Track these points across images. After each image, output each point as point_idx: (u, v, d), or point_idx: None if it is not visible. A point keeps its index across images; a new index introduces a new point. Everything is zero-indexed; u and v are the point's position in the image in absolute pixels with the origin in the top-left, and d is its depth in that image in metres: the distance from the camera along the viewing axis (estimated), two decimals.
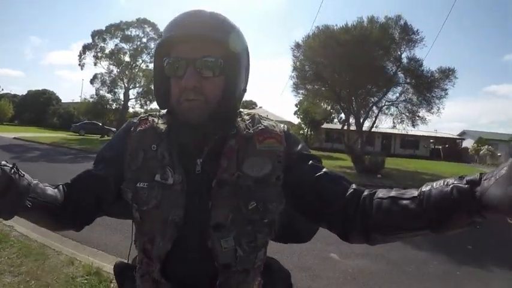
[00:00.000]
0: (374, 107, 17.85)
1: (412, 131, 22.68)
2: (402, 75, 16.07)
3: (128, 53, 28.96)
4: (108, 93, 29.69)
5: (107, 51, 29.00)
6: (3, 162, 0.82)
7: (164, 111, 1.05)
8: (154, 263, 0.96)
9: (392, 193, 0.83)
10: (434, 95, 15.88)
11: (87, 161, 15.23)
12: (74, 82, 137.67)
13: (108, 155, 1.05)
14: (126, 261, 1.17)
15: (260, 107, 48.62)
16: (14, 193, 0.81)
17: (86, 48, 28.64)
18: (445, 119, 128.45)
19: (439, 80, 15.48)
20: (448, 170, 20.76)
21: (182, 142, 0.97)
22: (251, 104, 54.94)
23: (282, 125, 1.07)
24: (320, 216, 0.95)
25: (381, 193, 0.86)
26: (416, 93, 16.28)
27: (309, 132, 32.93)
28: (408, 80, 16.12)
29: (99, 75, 29.18)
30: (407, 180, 14.67)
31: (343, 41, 14.45)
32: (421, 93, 15.90)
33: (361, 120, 17.53)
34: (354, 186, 0.93)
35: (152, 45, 29.28)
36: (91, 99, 30.61)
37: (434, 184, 0.75)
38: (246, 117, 1.04)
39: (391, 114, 18.12)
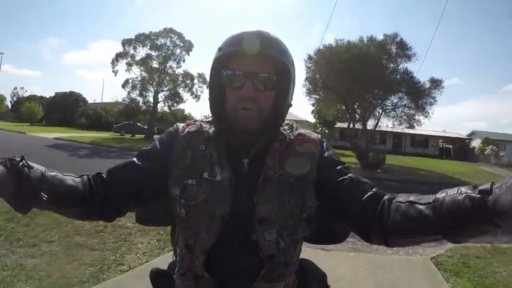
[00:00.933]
0: (376, 111, 20.75)
1: (422, 130, 25.80)
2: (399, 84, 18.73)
3: (157, 59, 31.81)
4: (139, 96, 32.45)
5: (137, 58, 31.81)
6: (11, 157, 0.86)
7: (208, 118, 1.18)
8: (198, 257, 1.01)
9: (411, 198, 0.87)
10: (425, 102, 18.80)
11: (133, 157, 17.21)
12: (92, 81, 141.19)
13: (152, 151, 1.12)
14: (161, 268, 1.23)
15: None
16: (26, 186, 0.84)
17: (118, 56, 31.69)
18: (467, 118, 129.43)
19: (429, 89, 18.45)
20: (446, 167, 23.13)
21: (230, 144, 1.07)
22: None
23: (315, 134, 1.17)
24: (341, 217, 1.04)
25: (401, 197, 0.90)
26: (410, 100, 19.16)
27: (323, 131, 34.16)
28: (403, 89, 18.88)
29: (130, 80, 32.17)
30: (403, 174, 17.09)
31: (344, 58, 17.38)
32: (414, 100, 18.85)
33: (363, 122, 20.51)
34: (374, 189, 0.99)
35: (178, 51, 32.36)
36: (123, 102, 33.61)
37: (449, 191, 0.77)
38: (285, 126, 1.14)
39: (393, 117, 20.77)
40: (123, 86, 32.69)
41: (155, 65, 32.09)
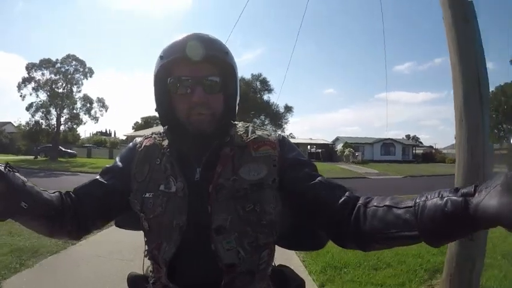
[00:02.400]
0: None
1: (293, 140, 34.77)
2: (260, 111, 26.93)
3: (62, 83, 35.84)
4: (43, 119, 35.91)
5: (41, 82, 35.39)
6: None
7: (161, 130, 1.19)
8: (162, 268, 1.04)
9: (387, 202, 0.87)
10: (282, 122, 27.52)
11: (60, 176, 19.48)
12: None
13: (114, 168, 1.16)
14: (139, 273, 1.24)
15: None
16: (10, 192, 0.85)
17: (25, 80, 35.17)
18: (344, 124, 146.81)
19: (284, 113, 27.14)
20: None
21: (182, 154, 1.09)
22: None
23: (277, 133, 1.18)
24: (314, 222, 1.03)
25: (376, 201, 0.90)
26: (270, 120, 27.58)
27: None
28: (263, 115, 27.23)
29: (34, 103, 35.57)
30: None
31: None
32: (273, 120, 27.31)
33: None
34: (347, 194, 0.98)
35: (78, 76, 36.65)
36: (25, 126, 36.61)
37: (429, 195, 0.77)
38: (241, 129, 1.16)
39: None
40: (27, 109, 35.89)
41: (59, 89, 35.98)
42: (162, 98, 1.09)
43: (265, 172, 1.05)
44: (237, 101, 1.14)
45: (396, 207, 0.84)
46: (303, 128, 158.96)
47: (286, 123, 27.08)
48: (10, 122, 51.78)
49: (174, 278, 1.04)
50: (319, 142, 54.34)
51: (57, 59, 35.89)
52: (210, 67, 1.04)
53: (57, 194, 1.04)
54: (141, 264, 1.21)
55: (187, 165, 1.08)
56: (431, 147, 66.07)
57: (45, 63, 35.74)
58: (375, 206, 0.89)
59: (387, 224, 0.84)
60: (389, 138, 50.74)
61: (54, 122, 36.58)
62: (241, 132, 1.15)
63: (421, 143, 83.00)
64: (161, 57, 1.05)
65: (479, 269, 3.51)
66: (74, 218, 1.05)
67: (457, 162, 3.57)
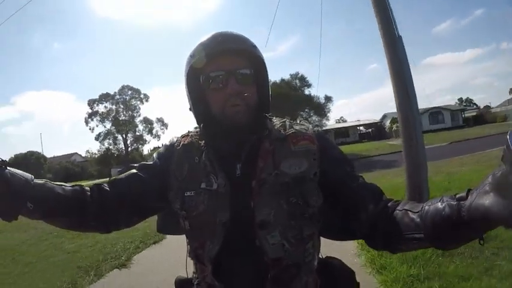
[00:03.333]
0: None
1: (342, 124, 37.96)
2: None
3: (122, 111, 41.11)
4: (112, 145, 41.71)
5: (101, 113, 41.15)
6: None
7: (197, 129, 1.20)
8: (207, 266, 1.05)
9: (407, 206, 0.94)
10: (325, 111, 30.41)
11: None
12: (18, 137, 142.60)
13: (153, 165, 1.17)
14: (185, 276, 1.25)
15: None
16: (8, 193, 0.87)
17: (91, 115, 40.91)
18: (390, 98, 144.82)
19: (325, 103, 29.97)
20: (357, 148, 32.09)
21: (221, 150, 1.10)
22: None
23: (314, 128, 1.18)
24: (350, 220, 1.07)
25: (400, 205, 0.97)
26: (314, 111, 30.55)
27: None
28: (307, 109, 30.07)
29: (102, 133, 41.33)
30: None
31: None
32: (317, 112, 30.27)
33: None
34: (384, 197, 1.04)
35: (134, 102, 42.11)
36: (97, 153, 42.61)
37: (434, 200, 0.84)
38: (278, 123, 1.16)
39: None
40: (96, 138, 41.74)
41: (121, 117, 41.23)
42: (196, 96, 1.12)
43: (306, 165, 1.05)
44: (269, 93, 1.15)
45: (411, 211, 0.90)
46: (351, 110, 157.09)
47: (328, 112, 29.82)
48: (76, 153, 58.11)
49: (218, 276, 1.05)
50: (367, 122, 55.54)
51: (114, 92, 41.29)
52: (240, 60, 1.07)
53: (76, 188, 1.07)
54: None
55: (227, 161, 1.08)
56: (487, 107, 63.32)
57: (105, 97, 40.95)
58: (398, 209, 0.95)
59: (403, 227, 0.91)
60: (435, 106, 49.83)
61: (121, 145, 41.80)
62: (278, 126, 1.15)
63: (475, 104, 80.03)
64: (191, 56, 1.10)
65: None
66: (100, 212, 1.07)
67: (403, 140, 6.19)
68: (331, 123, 45.77)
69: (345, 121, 74.08)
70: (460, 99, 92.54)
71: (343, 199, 1.07)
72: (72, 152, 60.63)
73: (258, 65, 1.12)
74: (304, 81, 29.52)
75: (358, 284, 1.22)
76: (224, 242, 1.03)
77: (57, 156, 59.99)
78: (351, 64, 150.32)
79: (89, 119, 41.44)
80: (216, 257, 1.04)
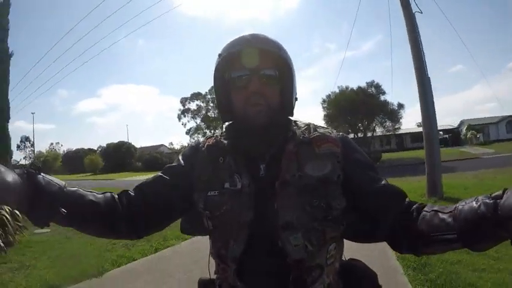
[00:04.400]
0: (371, 126, 35.36)
1: (419, 129, 41.31)
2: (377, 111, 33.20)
3: (211, 109, 46.11)
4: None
5: (193, 110, 46.96)
6: (29, 168, 0.92)
7: (223, 130, 1.26)
8: (230, 266, 1.07)
9: (436, 207, 0.95)
10: (397, 118, 33.50)
11: None
12: (104, 127, 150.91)
13: (178, 166, 1.21)
14: (208, 277, 1.28)
15: None
16: (43, 199, 0.90)
17: (184, 111, 47.35)
18: (481, 101, 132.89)
19: (398, 109, 33.05)
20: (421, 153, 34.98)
21: (246, 151, 1.13)
22: None
23: (339, 133, 1.21)
24: (373, 222, 1.09)
25: (427, 207, 0.98)
26: (387, 117, 33.84)
27: None
28: (382, 114, 33.37)
29: (192, 128, 47.28)
30: (389, 162, 28.83)
31: (345, 101, 32.07)
32: (390, 118, 33.56)
33: (365, 133, 35.15)
34: (407, 200, 1.06)
35: None
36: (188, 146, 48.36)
37: (468, 200, 0.85)
38: (302, 126, 1.20)
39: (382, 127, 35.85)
40: (187, 133, 47.97)
41: (211, 114, 46.51)
42: (222, 94, 1.17)
43: (329, 168, 1.08)
44: (294, 97, 1.19)
45: (442, 211, 0.91)
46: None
47: (401, 118, 32.72)
48: (163, 144, 64.60)
49: (241, 276, 1.07)
50: (444, 128, 55.67)
51: (206, 92, 46.62)
52: (266, 61, 1.11)
53: (107, 195, 1.10)
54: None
55: (251, 162, 1.12)
56: None
57: (196, 96, 46.82)
58: (425, 211, 0.97)
59: (432, 227, 0.91)
60: None
61: None
62: (303, 129, 1.18)
63: None
64: (219, 55, 1.13)
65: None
66: (130, 219, 1.10)
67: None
68: (412, 126, 50.30)
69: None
70: None
71: (366, 201, 1.09)
72: (160, 143, 67.49)
73: (284, 67, 1.14)
74: (379, 89, 33.07)
75: (380, 286, 1.22)
76: (247, 242, 1.05)
77: (146, 147, 66.10)
78: (434, 64, 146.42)
79: (182, 115, 47.31)
80: (240, 257, 1.06)
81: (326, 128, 1.22)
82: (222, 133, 1.25)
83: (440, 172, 9.97)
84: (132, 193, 1.16)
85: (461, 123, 55.88)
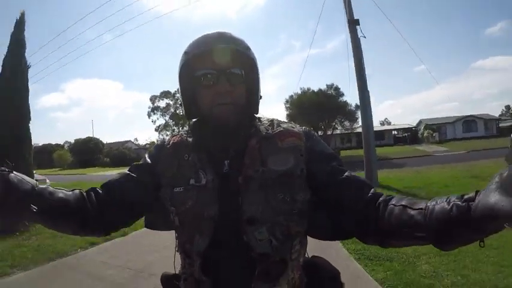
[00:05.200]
0: (332, 125, 38.14)
1: (378, 128, 44.59)
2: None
3: (180, 108, 47.91)
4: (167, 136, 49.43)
5: (162, 107, 48.61)
6: (2, 168, 0.92)
7: (185, 128, 1.29)
8: (195, 261, 1.08)
9: (404, 202, 0.94)
10: (355, 118, 36.42)
11: None
12: (67, 122, 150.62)
13: (144, 164, 1.23)
14: (172, 272, 1.29)
15: None
16: (15, 196, 0.90)
17: (154, 109, 49.01)
18: (441, 101, 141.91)
19: (355, 110, 35.66)
20: (386, 151, 35.47)
21: (209, 147, 1.15)
22: None
23: (299, 127, 1.22)
24: (338, 215, 1.09)
25: (394, 200, 0.97)
26: (346, 118, 36.76)
27: None
28: (340, 115, 36.35)
29: (161, 125, 48.98)
30: (347, 159, 28.97)
31: (307, 102, 34.78)
32: (348, 117, 36.47)
33: (325, 131, 37.57)
34: (372, 191, 1.06)
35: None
36: (156, 142, 50.13)
37: (439, 200, 0.84)
38: (266, 122, 1.22)
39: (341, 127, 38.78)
40: (156, 130, 49.61)
41: (180, 112, 47.87)
42: (187, 92, 1.18)
43: (292, 162, 1.09)
44: (259, 95, 1.22)
45: (411, 207, 0.90)
46: (397, 112, 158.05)
47: (357, 118, 35.44)
48: (130, 140, 65.54)
49: (206, 271, 1.07)
50: (403, 127, 60.77)
51: (175, 91, 47.74)
52: (233, 60, 1.12)
53: (76, 192, 1.10)
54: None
55: (215, 159, 1.13)
56: None
57: (165, 94, 48.48)
58: (392, 204, 0.96)
59: (401, 223, 0.91)
60: (470, 115, 52.39)
61: None
62: (266, 125, 1.19)
63: None
64: (185, 53, 1.14)
65: None
66: (98, 215, 1.10)
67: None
68: (376, 123, 52.51)
69: (389, 123, 77.99)
70: (508, 107, 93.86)
71: (331, 193, 1.09)
72: (126, 139, 68.52)
73: (250, 66, 1.17)
74: (338, 91, 36.05)
75: (342, 284, 1.23)
76: (213, 236, 1.06)
77: (113, 143, 66.61)
78: (399, 64, 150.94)
79: (151, 113, 48.89)
80: (205, 252, 1.06)
81: (289, 123, 1.23)
82: (187, 131, 1.26)
83: (376, 166, 12.69)
84: (100, 190, 1.16)
85: (420, 122, 58.50)
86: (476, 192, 0.76)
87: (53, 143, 67.38)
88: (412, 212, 0.90)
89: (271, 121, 1.24)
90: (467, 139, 44.68)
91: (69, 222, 1.09)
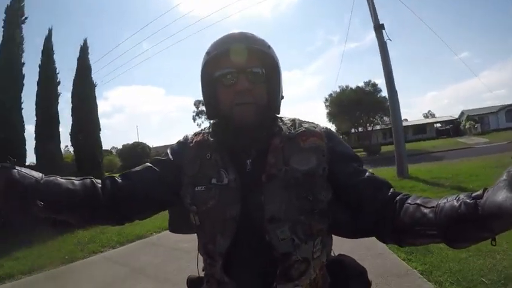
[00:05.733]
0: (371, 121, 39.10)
1: (420, 121, 44.80)
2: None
3: None
4: None
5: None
6: (3, 163, 0.92)
7: (209, 128, 1.27)
8: (217, 261, 1.09)
9: (419, 200, 0.96)
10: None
11: None
12: (110, 128, 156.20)
13: (166, 160, 1.23)
14: (197, 275, 1.30)
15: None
16: (18, 192, 0.92)
17: (198, 113, 51.88)
18: (485, 89, 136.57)
19: None
20: (427, 144, 36.34)
21: (232, 147, 1.15)
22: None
23: (324, 126, 1.23)
24: (358, 215, 1.10)
25: (411, 199, 0.99)
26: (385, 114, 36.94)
27: (342, 137, 50.74)
28: (379, 111, 36.94)
29: (205, 128, 51.07)
30: (387, 154, 26.78)
31: (346, 99, 36.11)
32: (386, 113, 36.52)
33: (365, 127, 38.94)
34: (392, 190, 1.08)
35: None
36: None
37: (449, 198, 0.85)
38: (288, 122, 1.22)
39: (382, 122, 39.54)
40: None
41: None
42: (209, 92, 1.17)
43: (315, 162, 1.10)
44: (281, 95, 1.21)
45: (424, 206, 0.92)
46: (442, 103, 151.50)
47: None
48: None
49: (228, 271, 1.08)
50: (445, 119, 59.64)
51: None
52: (254, 59, 1.12)
53: (86, 181, 1.11)
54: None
55: (238, 158, 1.14)
56: None
57: None
58: (408, 203, 0.98)
59: (415, 221, 0.93)
60: None
61: None
62: (289, 125, 1.20)
63: None
64: (207, 53, 1.14)
65: None
66: (112, 205, 1.11)
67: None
68: (419, 117, 54.45)
69: (433, 115, 76.76)
70: None
71: (350, 193, 1.11)
72: (172, 143, 70.17)
73: (271, 66, 1.16)
74: (375, 87, 37.13)
75: (370, 282, 1.24)
76: (234, 236, 1.06)
77: (159, 146, 69.16)
78: (440, 53, 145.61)
79: (196, 117, 51.58)
80: (227, 252, 1.07)
81: (311, 122, 1.23)
82: (209, 130, 1.26)
83: (406, 160, 13.52)
84: (119, 179, 1.17)
85: (462, 114, 57.37)
86: (484, 189, 0.77)
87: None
88: (425, 210, 0.91)
89: (293, 121, 1.23)
90: (510, 129, 43.06)
91: (79, 213, 1.10)
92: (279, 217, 1.05)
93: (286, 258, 1.05)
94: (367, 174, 1.13)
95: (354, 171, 1.14)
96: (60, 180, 1.05)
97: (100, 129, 13.04)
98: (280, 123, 1.21)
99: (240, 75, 1.11)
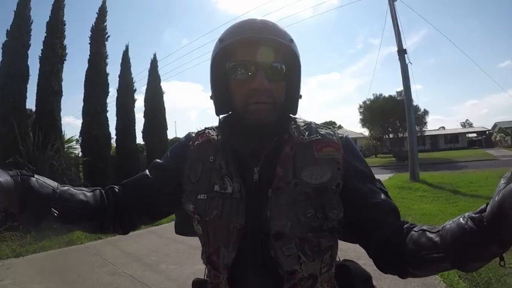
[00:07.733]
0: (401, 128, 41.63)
1: (453, 130, 47.11)
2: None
3: None
4: None
5: None
6: (23, 171, 0.92)
7: (216, 124, 1.17)
8: (222, 273, 1.04)
9: (424, 226, 0.90)
10: (423, 122, 40.22)
11: None
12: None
13: (164, 164, 1.17)
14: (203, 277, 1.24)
15: (339, 126, 66.12)
16: (35, 202, 0.91)
17: None
18: None
19: (423, 115, 39.89)
20: (456, 154, 37.72)
21: (238, 151, 1.07)
22: (331, 124, 75.49)
23: (340, 134, 1.13)
24: (363, 238, 1.06)
25: (416, 227, 0.93)
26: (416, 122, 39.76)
27: (374, 142, 50.21)
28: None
29: None
30: (420, 161, 29.63)
31: (375, 108, 39.41)
32: (416, 122, 39.55)
33: (395, 134, 41.94)
34: (400, 218, 1.03)
35: None
36: None
37: (455, 218, 0.80)
38: (302, 124, 1.12)
39: None
40: None
41: None
42: (219, 84, 1.08)
43: (328, 175, 1.03)
44: (299, 94, 1.12)
45: (430, 231, 0.87)
46: (481, 112, 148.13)
47: (425, 124, 39.24)
48: None
49: (232, 284, 1.04)
50: (478, 130, 61.49)
51: None
52: (274, 53, 1.02)
53: (96, 192, 1.10)
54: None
55: (244, 164, 1.06)
56: None
57: None
58: (413, 230, 0.92)
59: (419, 246, 0.87)
60: None
61: None
62: (302, 128, 1.11)
63: None
64: (220, 41, 1.04)
65: None
66: (116, 215, 1.10)
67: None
68: (456, 125, 58.58)
69: (470, 124, 77.14)
70: None
71: (362, 214, 1.04)
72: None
73: (292, 62, 1.07)
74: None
75: (374, 287, 1.22)
76: (239, 250, 1.01)
77: None
78: (480, 61, 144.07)
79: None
80: (231, 266, 1.03)
81: (328, 127, 1.15)
82: (214, 129, 1.18)
83: (418, 166, 16.02)
84: (116, 189, 1.15)
85: (495, 125, 58.77)
86: (487, 203, 0.72)
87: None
88: (430, 235, 0.86)
89: (309, 124, 1.14)
90: None
91: (89, 224, 1.10)
92: (285, 234, 0.99)
93: (292, 275, 0.99)
94: (382, 196, 1.06)
95: (369, 191, 1.06)
96: (74, 190, 1.05)
97: (167, 128, 16.45)
98: (294, 126, 1.11)
99: (258, 70, 1.01)
